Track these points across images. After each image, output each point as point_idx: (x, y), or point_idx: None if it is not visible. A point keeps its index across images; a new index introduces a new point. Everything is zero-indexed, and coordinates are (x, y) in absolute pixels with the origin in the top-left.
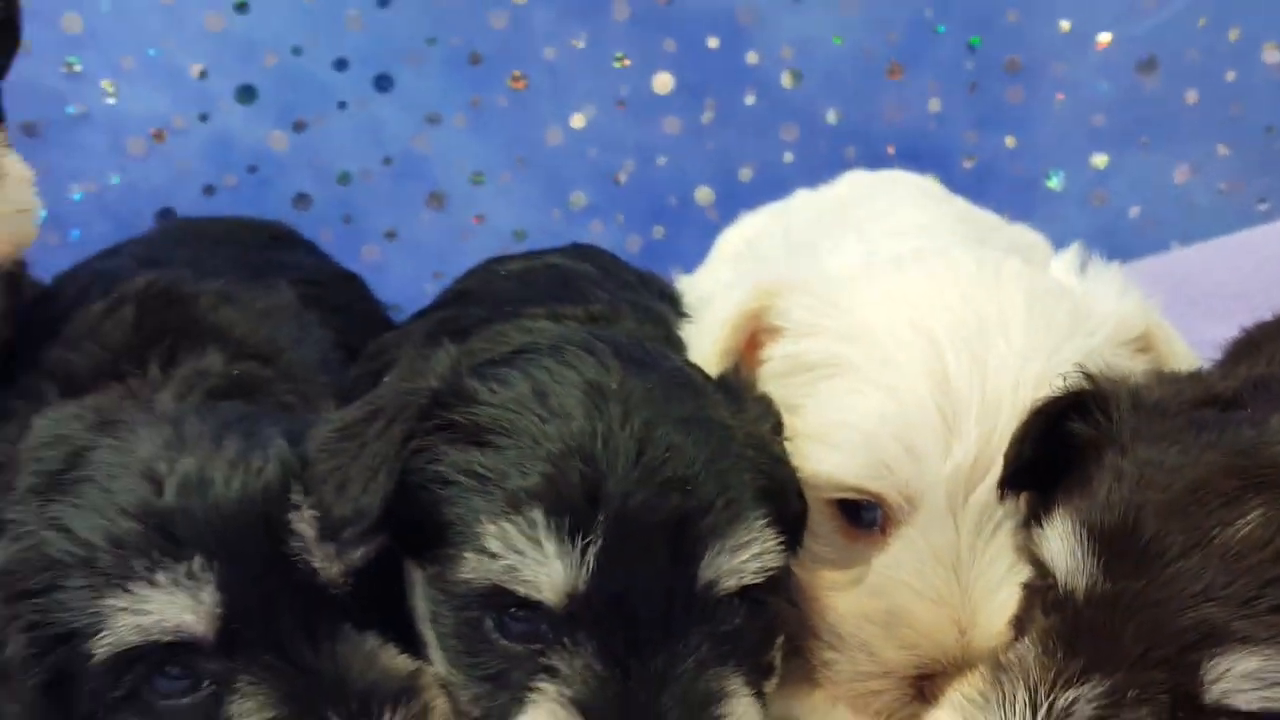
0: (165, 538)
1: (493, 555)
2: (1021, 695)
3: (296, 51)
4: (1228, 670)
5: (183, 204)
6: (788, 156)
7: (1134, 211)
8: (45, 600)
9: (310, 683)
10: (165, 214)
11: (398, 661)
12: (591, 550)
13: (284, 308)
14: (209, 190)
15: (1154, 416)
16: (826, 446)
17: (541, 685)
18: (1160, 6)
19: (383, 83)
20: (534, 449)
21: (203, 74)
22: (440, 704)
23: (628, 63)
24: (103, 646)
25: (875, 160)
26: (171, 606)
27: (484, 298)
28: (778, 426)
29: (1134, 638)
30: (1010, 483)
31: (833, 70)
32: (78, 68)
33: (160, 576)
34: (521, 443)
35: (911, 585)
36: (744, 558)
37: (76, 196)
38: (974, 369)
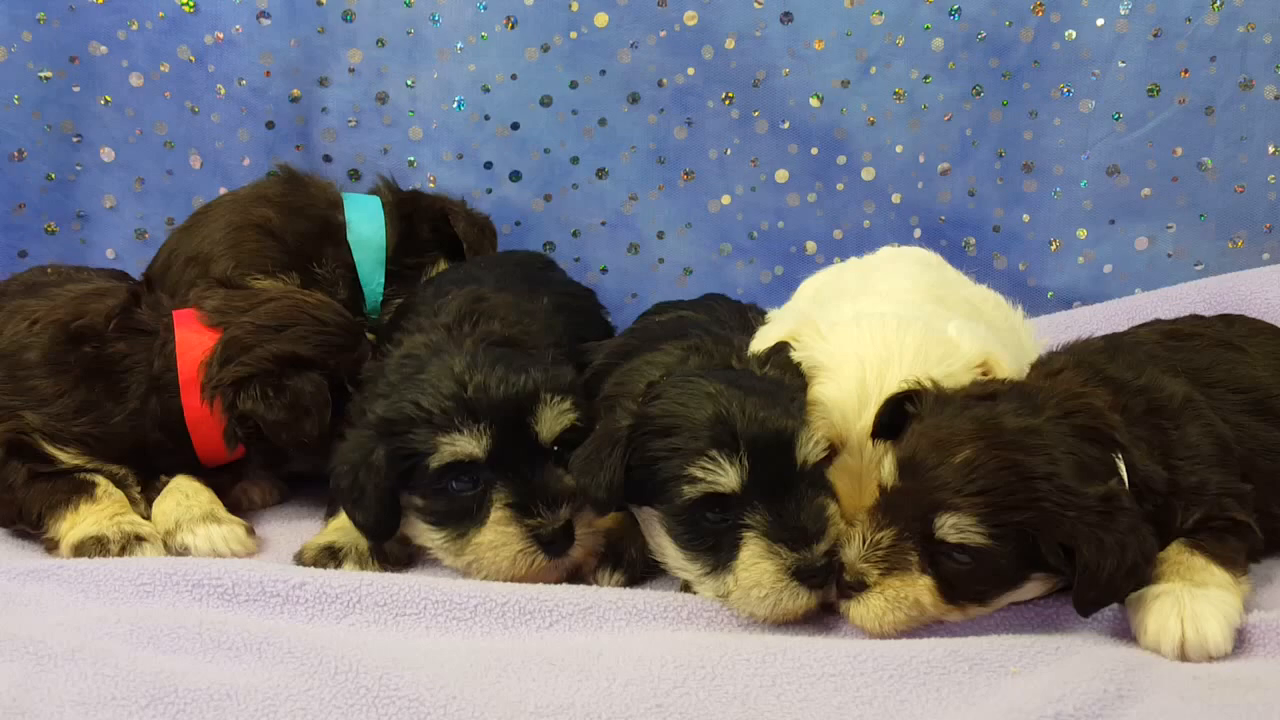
0: (467, 411)
1: (698, 480)
2: (859, 534)
3: (548, 151)
4: (944, 522)
5: None
6: (866, 223)
7: (1108, 268)
8: (402, 436)
9: (530, 485)
10: None
11: (571, 480)
12: (744, 460)
13: (536, 309)
14: None
15: (940, 404)
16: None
17: (745, 533)
18: (1126, 133)
19: (602, 172)
20: (697, 426)
21: (488, 164)
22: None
23: (758, 163)
24: (434, 461)
25: (932, 226)
26: (468, 444)
27: (643, 335)
28: (803, 388)
29: (908, 507)
30: (878, 434)
31: (900, 169)
32: (416, 164)
33: (463, 429)
34: (689, 426)
35: (839, 482)
36: (811, 449)
37: None
38: (877, 379)
